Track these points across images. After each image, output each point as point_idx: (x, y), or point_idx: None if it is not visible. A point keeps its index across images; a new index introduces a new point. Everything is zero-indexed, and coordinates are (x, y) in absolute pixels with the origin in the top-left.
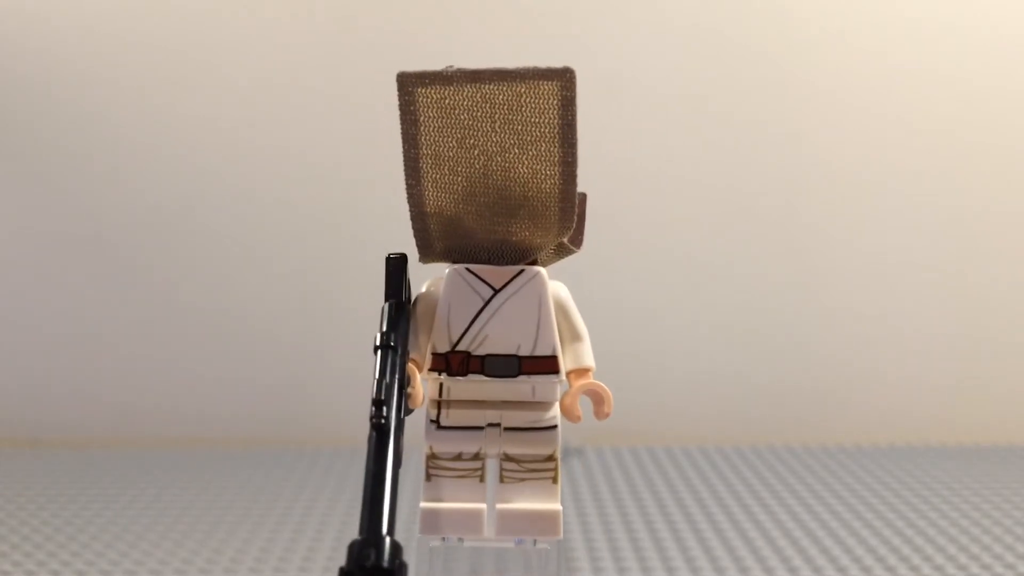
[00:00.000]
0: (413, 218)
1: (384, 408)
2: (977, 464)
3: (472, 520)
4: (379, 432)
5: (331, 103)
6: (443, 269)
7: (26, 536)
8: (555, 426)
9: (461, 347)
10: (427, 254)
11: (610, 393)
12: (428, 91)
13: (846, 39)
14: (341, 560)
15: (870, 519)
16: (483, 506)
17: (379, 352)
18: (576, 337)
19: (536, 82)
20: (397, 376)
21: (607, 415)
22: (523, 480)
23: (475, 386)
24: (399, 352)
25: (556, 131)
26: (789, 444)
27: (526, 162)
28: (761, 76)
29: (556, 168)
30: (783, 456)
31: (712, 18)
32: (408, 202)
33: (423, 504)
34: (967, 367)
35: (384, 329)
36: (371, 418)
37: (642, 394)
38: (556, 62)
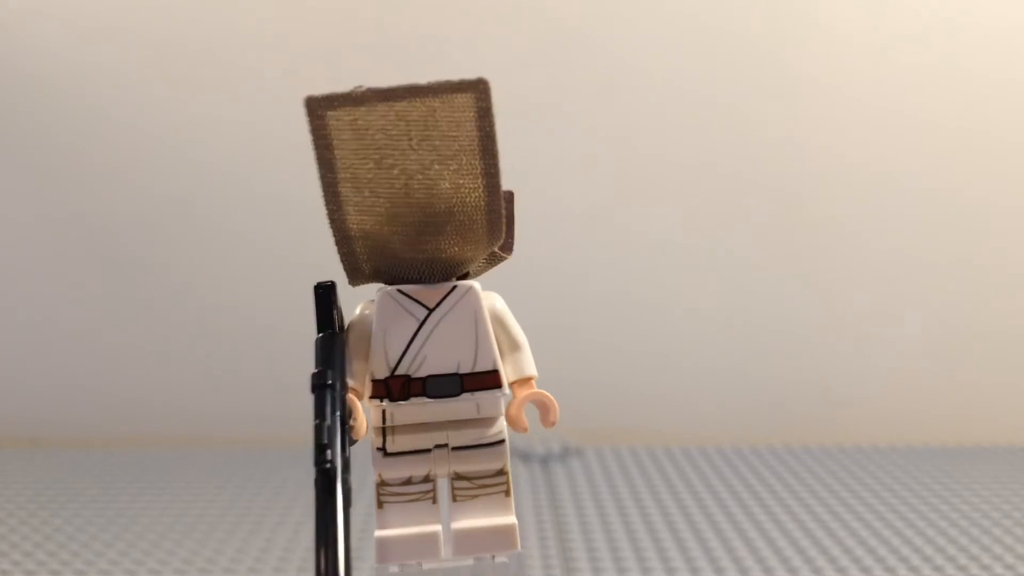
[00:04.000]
0: (338, 243)
1: (328, 452)
2: (977, 464)
3: (428, 544)
4: (325, 477)
5: None
6: (375, 290)
7: (26, 536)
8: (503, 440)
9: (400, 371)
10: (356, 277)
11: (555, 401)
12: (339, 114)
13: (849, 37)
14: None
15: (870, 519)
16: (438, 528)
17: (315, 392)
18: (515, 347)
19: (450, 95)
20: (338, 413)
21: (554, 423)
22: (476, 497)
23: (418, 409)
24: (337, 387)
25: (475, 143)
26: (789, 444)
27: (448, 177)
28: (765, 74)
29: (479, 180)
30: (783, 456)
31: (714, 16)
32: (331, 227)
33: (378, 533)
34: (967, 367)
35: (318, 367)
36: (315, 463)
37: (642, 394)
38: (555, 61)
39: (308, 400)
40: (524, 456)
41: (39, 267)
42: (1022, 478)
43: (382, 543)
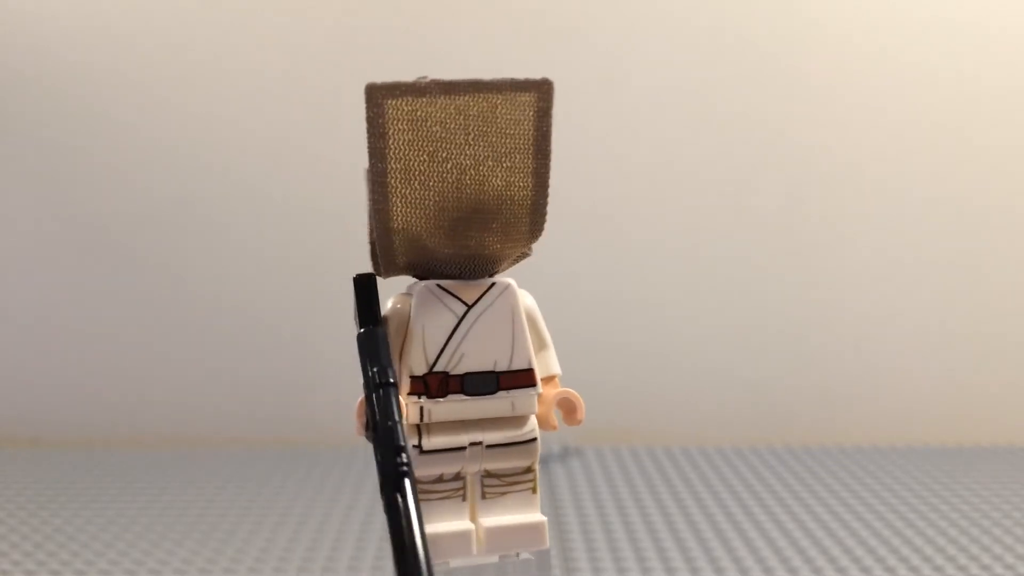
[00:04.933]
0: (379, 234)
1: (404, 454)
2: (977, 464)
3: (461, 542)
4: (402, 479)
5: (335, 100)
6: (402, 282)
7: (26, 536)
8: (535, 438)
9: (439, 368)
10: (390, 269)
11: (582, 400)
12: (399, 103)
13: (851, 38)
14: (341, 560)
15: (870, 519)
16: (471, 526)
17: (381, 391)
18: (543, 345)
19: (513, 94)
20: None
21: (580, 422)
22: (504, 494)
23: (455, 406)
24: (397, 385)
25: (531, 142)
26: (789, 444)
27: (500, 174)
28: (766, 74)
29: (529, 179)
30: (783, 456)
31: (715, 16)
32: (374, 219)
33: None
34: (967, 367)
35: (379, 364)
36: (394, 466)
37: (642, 394)
38: (557, 61)
39: (309, 401)
40: None
41: (39, 267)
42: (1022, 478)
43: None
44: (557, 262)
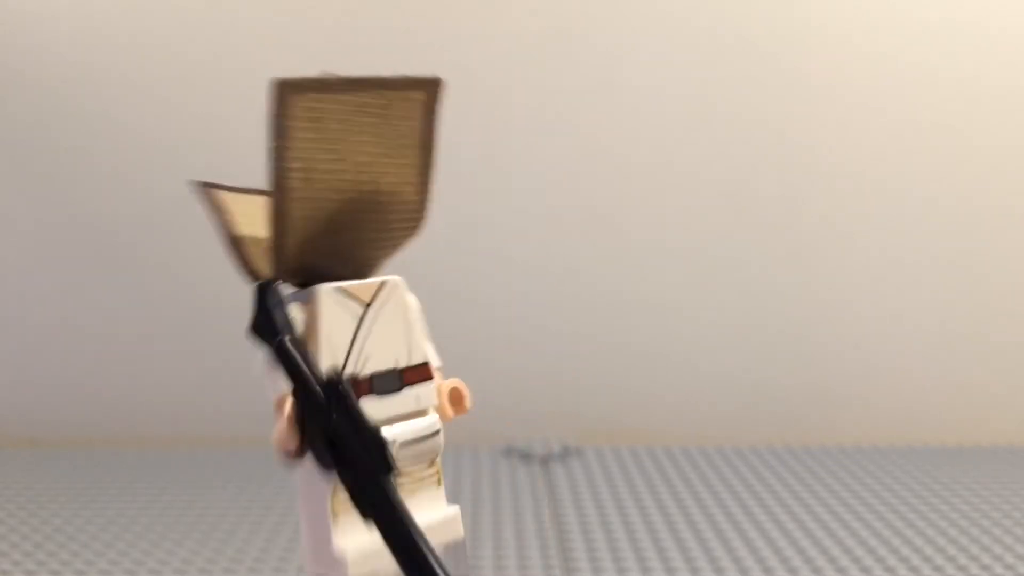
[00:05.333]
0: (274, 238)
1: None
2: (977, 464)
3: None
4: (391, 476)
5: None
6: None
7: (26, 536)
8: (439, 431)
9: (348, 370)
10: (282, 273)
11: (468, 390)
12: (304, 99)
13: (851, 38)
14: None
15: (870, 519)
16: None
17: (352, 401)
18: (425, 337)
19: (406, 91)
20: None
21: (467, 410)
22: (415, 492)
23: (368, 408)
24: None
25: (421, 139)
26: (789, 444)
27: (392, 171)
28: (766, 74)
29: (419, 175)
30: (783, 456)
31: (715, 16)
32: (272, 221)
33: (338, 543)
34: (967, 367)
35: (316, 377)
36: (386, 471)
37: (642, 394)
38: (556, 61)
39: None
40: (524, 456)
41: (40, 267)
42: (1022, 478)
43: (346, 555)
44: (557, 262)
